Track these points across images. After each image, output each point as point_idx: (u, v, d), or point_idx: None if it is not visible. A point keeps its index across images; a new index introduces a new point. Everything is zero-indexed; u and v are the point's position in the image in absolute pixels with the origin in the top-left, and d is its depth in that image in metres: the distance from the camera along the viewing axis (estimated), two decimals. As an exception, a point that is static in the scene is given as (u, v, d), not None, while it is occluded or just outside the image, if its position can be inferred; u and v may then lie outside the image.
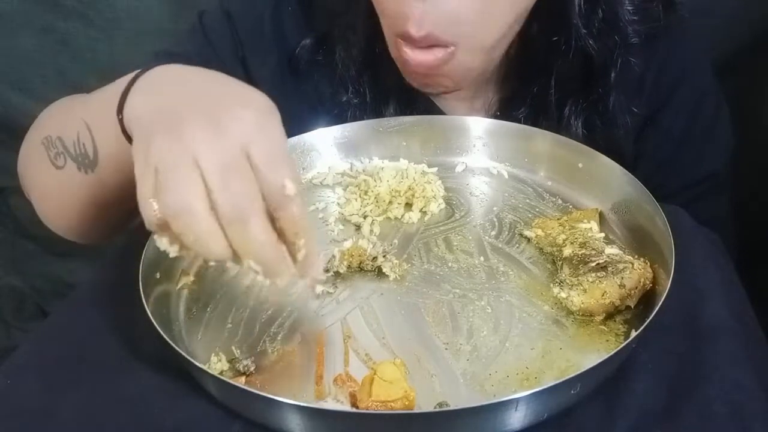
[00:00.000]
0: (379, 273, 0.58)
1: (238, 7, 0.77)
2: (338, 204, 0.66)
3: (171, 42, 0.80)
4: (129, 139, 0.54)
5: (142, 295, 0.51)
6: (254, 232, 0.44)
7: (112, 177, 0.60)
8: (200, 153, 0.44)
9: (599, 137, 0.71)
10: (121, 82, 0.56)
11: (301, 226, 0.46)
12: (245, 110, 0.46)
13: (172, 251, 0.46)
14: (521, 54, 0.73)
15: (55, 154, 0.62)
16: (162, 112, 0.49)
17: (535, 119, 0.73)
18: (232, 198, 0.43)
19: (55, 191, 0.65)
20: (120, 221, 0.66)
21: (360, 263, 0.58)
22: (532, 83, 0.73)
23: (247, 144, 0.44)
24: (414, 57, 0.63)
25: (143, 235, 0.56)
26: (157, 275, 0.56)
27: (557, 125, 0.71)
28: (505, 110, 0.75)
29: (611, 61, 0.70)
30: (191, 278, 0.58)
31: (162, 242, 0.46)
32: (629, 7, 0.69)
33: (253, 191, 0.44)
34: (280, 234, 0.45)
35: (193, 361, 0.46)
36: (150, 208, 0.44)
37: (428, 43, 0.62)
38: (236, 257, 0.45)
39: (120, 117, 0.54)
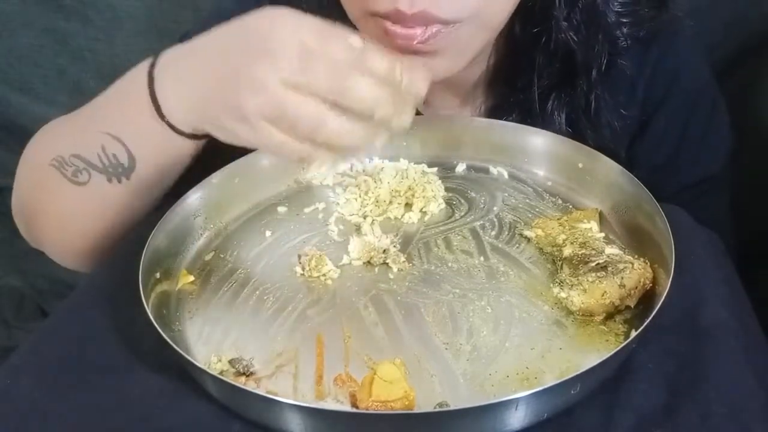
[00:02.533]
0: (385, 267, 0.58)
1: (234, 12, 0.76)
2: (338, 204, 0.66)
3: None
4: (183, 134, 0.58)
5: (142, 295, 0.51)
6: (366, 87, 0.49)
7: (154, 175, 0.62)
8: (280, 75, 0.48)
9: (589, 140, 0.71)
10: (134, 87, 0.58)
11: (390, 59, 0.50)
12: (274, 20, 0.51)
13: (327, 171, 0.54)
14: (507, 57, 0.73)
15: (73, 171, 0.61)
16: (208, 84, 0.53)
17: (522, 123, 0.72)
18: (330, 77, 0.48)
19: (78, 209, 0.64)
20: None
21: (370, 258, 0.58)
22: (518, 87, 0.73)
23: (301, 40, 0.49)
24: (404, 32, 0.59)
25: (143, 235, 0.56)
26: (157, 275, 0.56)
27: (541, 123, 0.71)
28: (493, 117, 0.74)
29: (594, 57, 0.70)
30: (191, 278, 0.58)
31: (312, 169, 0.52)
32: (617, 8, 0.69)
33: (339, 57, 0.48)
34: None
35: (193, 361, 0.46)
36: (293, 149, 0.50)
37: (419, 23, 0.58)
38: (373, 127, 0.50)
39: (165, 121, 0.57)
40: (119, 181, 0.61)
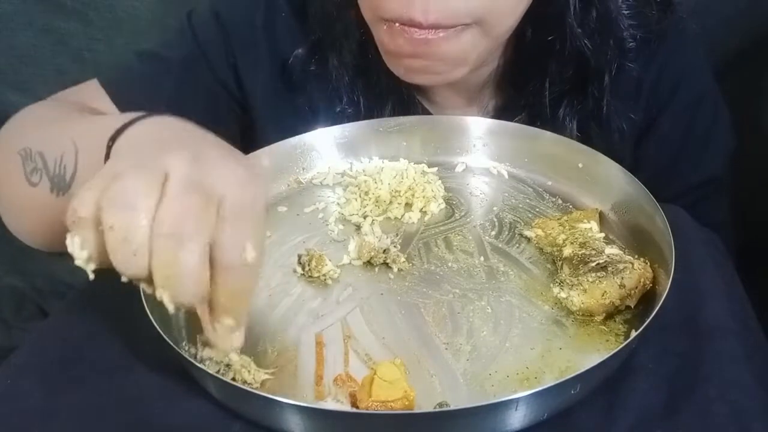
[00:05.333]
0: (385, 267, 0.58)
1: (230, 13, 0.75)
2: (338, 204, 0.66)
3: (157, 41, 0.78)
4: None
5: (142, 295, 0.51)
6: (186, 255, 0.39)
7: None
8: (173, 168, 0.41)
9: (596, 143, 0.71)
10: (122, 117, 0.52)
11: (239, 304, 0.42)
12: (236, 163, 0.44)
13: (80, 257, 0.41)
14: (516, 60, 0.73)
15: (32, 169, 0.58)
16: (151, 144, 0.46)
17: (531, 125, 0.72)
18: (181, 214, 0.40)
19: (25, 206, 0.62)
20: None
21: (371, 258, 0.58)
22: (527, 89, 0.73)
23: (224, 192, 0.41)
24: (417, 36, 0.60)
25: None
26: (157, 275, 0.55)
27: (552, 129, 0.71)
28: (501, 117, 0.74)
29: (606, 63, 0.70)
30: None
31: (74, 242, 0.41)
32: (625, 11, 0.69)
33: (205, 223, 0.40)
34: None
35: (193, 361, 0.46)
36: (88, 198, 0.41)
37: (433, 27, 0.60)
38: (150, 280, 0.41)
39: (110, 143, 0.50)
40: (57, 195, 0.57)
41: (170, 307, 0.41)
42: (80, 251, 0.41)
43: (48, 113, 0.67)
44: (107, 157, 0.50)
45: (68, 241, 0.41)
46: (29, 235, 0.67)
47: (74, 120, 0.63)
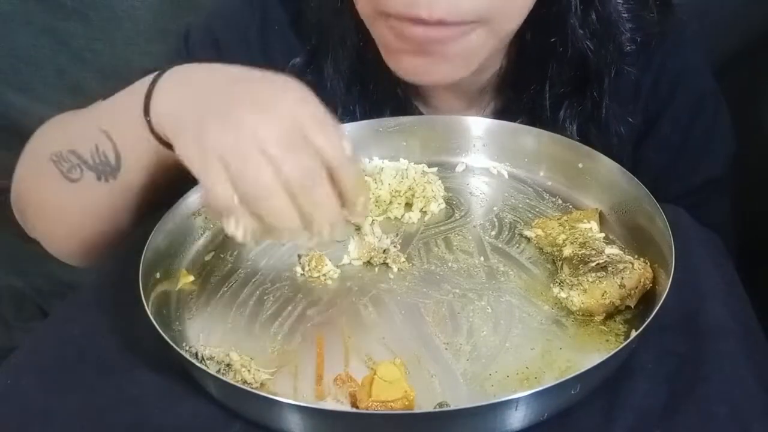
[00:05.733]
0: (385, 267, 0.58)
1: (224, 31, 0.76)
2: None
3: (152, 61, 0.79)
4: (158, 138, 0.56)
5: (142, 295, 0.51)
6: (320, 197, 0.47)
7: (137, 179, 0.61)
8: (260, 135, 0.46)
9: (594, 146, 0.71)
10: (138, 87, 0.57)
11: (360, 184, 0.50)
12: (283, 88, 0.50)
13: (240, 235, 0.48)
14: (516, 64, 0.73)
15: (68, 167, 0.61)
16: (199, 104, 0.51)
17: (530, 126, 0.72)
18: (298, 170, 0.46)
19: (66, 204, 0.64)
20: (122, 231, 0.66)
21: (370, 258, 0.58)
22: (528, 93, 0.73)
23: (296, 117, 0.47)
24: (422, 34, 0.59)
25: (143, 235, 0.56)
26: (157, 275, 0.56)
27: (552, 131, 0.71)
28: (501, 120, 0.74)
29: (606, 65, 0.70)
30: (191, 278, 0.58)
31: (230, 225, 0.48)
32: (624, 14, 0.69)
33: (314, 160, 0.47)
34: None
35: (193, 361, 0.46)
36: (225, 195, 0.47)
37: (438, 24, 0.58)
38: (307, 225, 0.48)
39: (148, 118, 0.56)
40: (107, 180, 0.61)
41: (336, 233, 0.49)
42: (236, 230, 0.48)
43: (62, 120, 0.69)
44: (152, 131, 0.56)
45: (224, 224, 0.48)
46: (65, 240, 0.68)
47: (90, 114, 0.65)
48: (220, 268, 0.60)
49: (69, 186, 0.62)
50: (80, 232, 0.66)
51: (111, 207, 0.64)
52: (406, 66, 0.65)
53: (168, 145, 0.56)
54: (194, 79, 0.56)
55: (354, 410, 0.46)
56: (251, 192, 0.46)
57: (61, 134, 0.66)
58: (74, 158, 0.61)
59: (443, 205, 0.66)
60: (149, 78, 0.57)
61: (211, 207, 0.48)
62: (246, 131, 0.47)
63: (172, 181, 0.61)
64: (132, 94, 0.58)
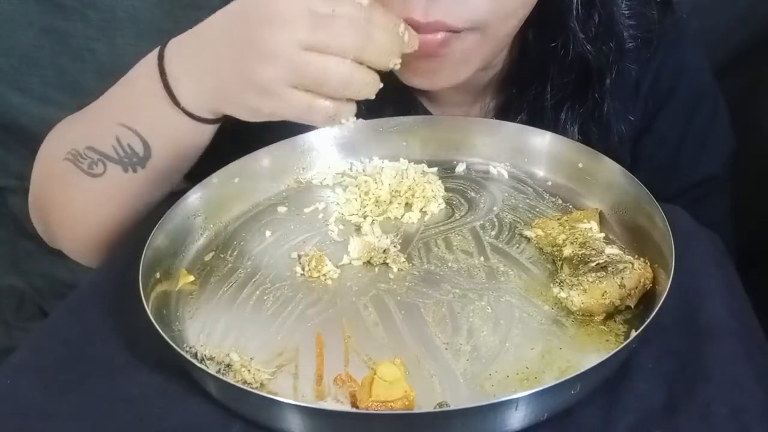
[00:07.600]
0: (385, 267, 0.58)
1: None
2: (338, 204, 0.66)
3: None
4: (196, 118, 0.59)
5: (142, 295, 0.51)
6: (384, 37, 0.53)
7: (167, 163, 0.62)
8: (297, 38, 0.49)
9: (595, 145, 0.71)
10: (143, 72, 0.58)
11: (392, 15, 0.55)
12: None
13: (350, 119, 0.58)
14: (519, 61, 0.73)
15: (89, 164, 0.62)
16: (223, 64, 0.54)
17: (531, 126, 0.72)
18: (350, 38, 0.50)
19: (94, 200, 0.65)
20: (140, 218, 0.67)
21: (371, 258, 0.58)
22: (529, 90, 0.73)
23: (308, 4, 0.50)
24: (422, 37, 0.60)
25: (143, 235, 0.56)
26: (157, 275, 0.56)
27: (554, 131, 0.71)
28: (502, 118, 0.74)
29: (607, 65, 0.70)
30: (191, 278, 0.58)
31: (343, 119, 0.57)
32: (625, 11, 0.69)
33: (356, 16, 0.51)
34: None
35: (193, 361, 0.46)
36: (325, 106, 0.54)
37: (431, 31, 0.59)
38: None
39: (181, 106, 0.58)
40: (135, 171, 0.62)
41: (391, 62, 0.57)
42: (347, 121, 0.57)
43: (70, 121, 0.69)
44: (174, 101, 0.58)
45: (336, 125, 0.59)
46: (87, 239, 0.68)
47: (99, 110, 0.65)
48: (220, 268, 0.60)
49: (91, 181, 0.62)
50: (107, 225, 0.66)
51: (142, 194, 0.64)
52: (413, 71, 0.65)
53: (212, 120, 0.59)
54: (195, 48, 0.57)
55: (354, 410, 0.46)
56: (339, 86, 0.51)
57: (72, 134, 0.66)
58: (93, 154, 0.62)
59: (443, 205, 0.66)
60: (152, 67, 0.58)
61: (321, 123, 0.56)
62: (284, 46, 0.49)
63: (194, 159, 0.63)
64: (143, 86, 0.59)
